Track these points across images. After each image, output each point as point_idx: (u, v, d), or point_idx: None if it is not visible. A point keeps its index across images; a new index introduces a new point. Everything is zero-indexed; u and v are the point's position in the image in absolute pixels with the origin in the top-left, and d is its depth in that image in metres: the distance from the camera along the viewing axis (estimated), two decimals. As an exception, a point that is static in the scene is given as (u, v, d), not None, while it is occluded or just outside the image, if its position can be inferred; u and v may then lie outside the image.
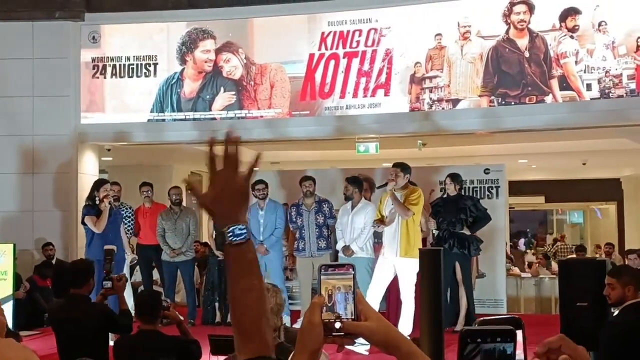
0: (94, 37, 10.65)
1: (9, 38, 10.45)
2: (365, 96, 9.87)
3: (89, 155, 10.83)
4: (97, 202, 8.28)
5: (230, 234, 1.54)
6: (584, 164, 15.03)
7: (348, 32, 9.93)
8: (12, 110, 10.39)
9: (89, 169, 10.78)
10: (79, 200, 10.36)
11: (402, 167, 7.33)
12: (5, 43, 10.46)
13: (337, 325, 1.30)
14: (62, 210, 10.35)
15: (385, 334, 1.30)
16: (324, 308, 1.31)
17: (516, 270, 12.68)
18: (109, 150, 11.52)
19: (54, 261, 10.05)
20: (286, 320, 7.18)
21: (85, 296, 5.10)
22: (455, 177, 8.35)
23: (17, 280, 8.64)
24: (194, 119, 10.49)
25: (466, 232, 8.07)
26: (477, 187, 9.73)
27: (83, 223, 8.53)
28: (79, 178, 10.46)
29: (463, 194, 8.44)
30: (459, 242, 8.01)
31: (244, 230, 1.54)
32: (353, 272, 1.34)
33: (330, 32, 9.99)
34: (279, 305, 3.54)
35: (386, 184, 7.38)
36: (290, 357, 1.32)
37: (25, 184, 10.36)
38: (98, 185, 8.50)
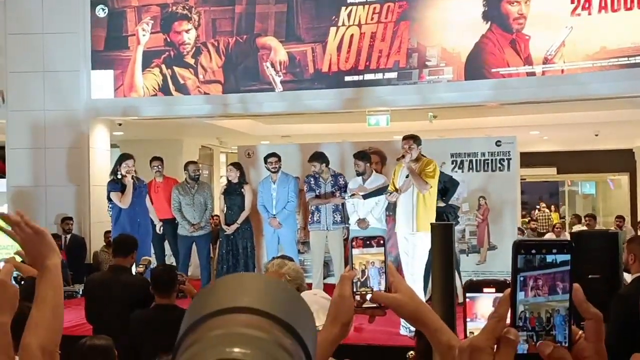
0: (103, 11, 10.63)
1: (19, 13, 10.44)
2: (377, 68, 9.83)
3: (100, 129, 10.87)
4: (121, 177, 8.35)
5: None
6: (596, 135, 14.93)
7: (365, 5, 9.86)
8: (23, 86, 10.42)
9: (100, 144, 10.82)
10: (91, 174, 10.43)
11: (414, 139, 7.30)
12: (16, 18, 10.46)
13: (369, 297, 1.32)
14: (74, 185, 10.42)
15: (415, 309, 1.31)
16: (358, 283, 1.33)
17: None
18: (120, 124, 11.54)
19: (69, 236, 10.13)
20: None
21: (127, 267, 5.24)
22: None
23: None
24: (205, 93, 10.48)
25: (441, 204, 8.04)
26: (488, 160, 9.69)
27: (109, 199, 8.59)
28: (91, 153, 10.52)
29: None
30: (437, 216, 7.99)
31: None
32: (384, 245, 1.35)
33: (348, 5, 9.92)
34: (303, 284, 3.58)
35: (403, 157, 7.30)
36: (321, 329, 1.34)
37: (37, 159, 10.42)
38: (120, 160, 8.53)
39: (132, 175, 8.38)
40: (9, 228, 1.93)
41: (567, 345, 0.89)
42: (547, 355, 0.88)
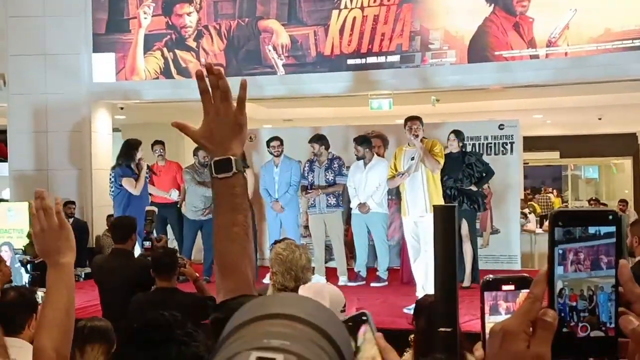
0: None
1: (19, -4, 10.40)
2: (379, 51, 9.77)
3: (102, 113, 10.84)
4: (138, 163, 8.36)
5: (216, 166, 1.45)
6: (599, 118, 14.88)
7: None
8: (24, 69, 10.38)
9: (102, 128, 10.80)
10: (93, 158, 10.42)
11: (420, 120, 7.32)
12: (17, 1, 10.40)
13: None
14: (76, 169, 10.40)
15: None
16: None
17: (530, 226, 12.67)
18: (122, 108, 11.51)
19: (71, 220, 10.13)
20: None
21: (128, 250, 5.26)
22: (459, 134, 8.25)
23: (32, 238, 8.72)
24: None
25: (473, 188, 8.05)
26: (491, 143, 9.66)
27: (119, 185, 8.51)
28: (93, 136, 10.49)
29: (465, 150, 8.33)
30: (468, 198, 7.98)
31: (230, 163, 1.45)
32: (368, 322, 1.21)
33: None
34: (309, 261, 3.55)
35: (416, 136, 7.27)
36: None
37: (39, 142, 10.40)
38: (137, 145, 8.49)
39: (147, 164, 8.43)
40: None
41: (612, 326, 0.80)
42: (631, 330, 0.79)
